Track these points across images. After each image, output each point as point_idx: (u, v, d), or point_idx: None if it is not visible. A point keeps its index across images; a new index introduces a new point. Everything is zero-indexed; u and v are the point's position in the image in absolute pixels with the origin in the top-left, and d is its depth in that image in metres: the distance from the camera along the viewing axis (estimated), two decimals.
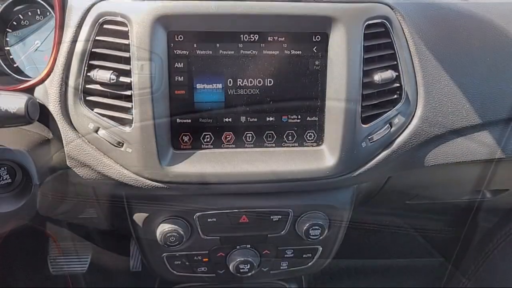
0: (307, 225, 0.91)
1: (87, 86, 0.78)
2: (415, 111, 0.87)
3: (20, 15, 0.86)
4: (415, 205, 1.29)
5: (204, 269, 0.97)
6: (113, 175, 0.81)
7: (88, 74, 0.77)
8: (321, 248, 0.99)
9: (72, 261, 1.63)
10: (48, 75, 0.79)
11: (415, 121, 0.86)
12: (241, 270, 0.95)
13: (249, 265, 0.95)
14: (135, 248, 1.65)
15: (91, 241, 1.69)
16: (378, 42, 0.81)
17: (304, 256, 0.99)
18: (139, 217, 0.88)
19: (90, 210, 1.00)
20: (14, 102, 0.67)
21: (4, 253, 1.69)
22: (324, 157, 0.84)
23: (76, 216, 1.02)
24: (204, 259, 0.95)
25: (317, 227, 0.91)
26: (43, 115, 0.79)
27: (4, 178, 0.70)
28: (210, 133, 0.82)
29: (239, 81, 0.80)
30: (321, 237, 0.92)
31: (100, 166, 0.80)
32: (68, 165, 0.81)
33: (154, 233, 0.88)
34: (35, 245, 1.65)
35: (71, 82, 0.77)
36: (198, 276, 0.98)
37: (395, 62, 0.82)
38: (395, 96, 0.84)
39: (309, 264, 1.01)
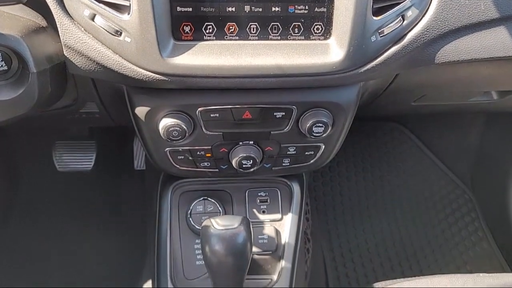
0: (311, 122, 0.90)
1: None
2: (430, 4, 0.82)
3: None
4: (419, 108, 1.28)
5: (207, 164, 0.98)
6: (112, 66, 0.78)
7: None
8: (323, 146, 0.99)
9: (77, 159, 1.66)
10: None
11: (429, 14, 0.82)
12: (243, 166, 0.96)
13: (251, 161, 0.95)
14: (139, 147, 1.67)
15: (95, 140, 1.71)
16: None
17: (306, 153, 0.99)
18: (141, 111, 0.87)
19: (92, 105, 0.99)
20: None
21: (10, 148, 1.72)
22: (331, 51, 0.81)
23: (78, 110, 1.01)
24: (207, 154, 0.96)
25: (320, 125, 0.90)
26: (36, 1, 0.75)
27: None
28: (212, 23, 0.78)
29: None
30: (324, 135, 0.92)
31: (98, 57, 0.78)
32: (65, 54, 0.79)
33: (157, 128, 0.88)
34: (41, 141, 1.68)
35: None
36: (201, 171, 1.00)
37: None
38: None
39: (311, 161, 1.02)
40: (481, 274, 1.02)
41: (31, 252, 1.62)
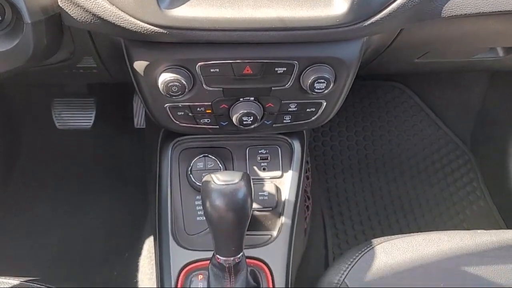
0: (312, 78, 0.88)
1: None
2: None
3: None
4: (422, 66, 1.26)
5: (207, 120, 0.97)
6: (108, 17, 0.76)
7: None
8: (325, 103, 0.97)
9: (77, 116, 1.65)
10: None
11: None
12: (244, 123, 0.95)
13: (252, 117, 0.94)
14: (139, 104, 1.66)
15: (94, 97, 1.69)
16: None
17: (307, 110, 0.98)
18: (139, 66, 0.85)
19: (89, 59, 0.97)
20: None
21: (9, 106, 1.71)
22: (334, 3, 0.78)
23: (75, 65, 0.99)
24: (207, 111, 0.95)
25: (322, 81, 0.88)
26: None
27: None
28: None
29: None
30: (326, 91, 0.90)
31: (94, 7, 0.75)
32: (60, 5, 0.76)
33: (156, 83, 0.86)
34: (39, 99, 1.66)
35: None
36: (201, 127, 0.99)
37: None
38: None
39: (313, 118, 1.01)
40: (478, 231, 1.03)
41: (32, 211, 1.64)
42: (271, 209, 1.08)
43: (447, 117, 1.90)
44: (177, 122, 0.97)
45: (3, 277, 0.91)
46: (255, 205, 1.06)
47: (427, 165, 1.85)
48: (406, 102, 1.93)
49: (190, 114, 0.95)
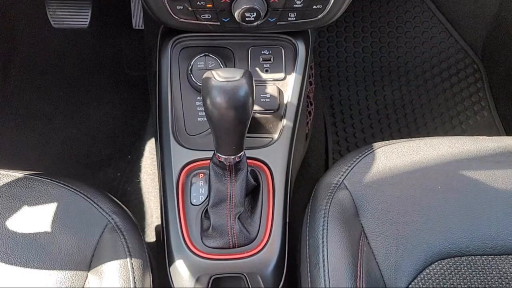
0: None
1: None
2: None
3: None
4: None
5: (208, 16, 0.92)
6: None
7: None
8: (332, 0, 0.92)
9: (72, 15, 1.58)
10: None
11: None
12: (246, 19, 0.90)
13: (255, 13, 0.89)
14: (137, 4, 1.59)
15: None
16: None
17: (314, 7, 0.93)
18: None
19: None
20: None
21: (3, 5, 1.63)
22: None
23: None
24: (207, 5, 0.90)
25: None
26: None
27: None
28: None
29: None
30: None
31: None
32: None
33: None
34: None
35: None
36: (202, 23, 0.94)
37: None
38: None
39: (319, 16, 0.95)
40: (480, 137, 1.02)
41: (33, 108, 1.63)
42: (272, 111, 1.06)
43: (460, 24, 1.82)
44: (177, 17, 0.92)
45: (7, 170, 0.92)
46: (256, 108, 1.05)
47: (435, 74, 1.81)
48: (418, 6, 1.83)
49: (189, 8, 0.90)
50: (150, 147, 1.44)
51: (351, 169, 0.95)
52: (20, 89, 1.66)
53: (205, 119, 0.83)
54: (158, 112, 1.07)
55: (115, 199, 0.95)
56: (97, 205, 0.90)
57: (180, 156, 1.01)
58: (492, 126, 1.73)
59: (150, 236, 1.39)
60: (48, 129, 1.60)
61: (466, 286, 0.82)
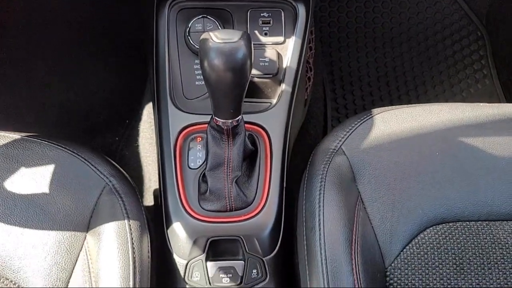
0: None
1: None
2: None
3: None
4: None
5: None
6: None
7: None
8: None
9: None
10: None
11: None
12: None
13: None
14: None
15: None
16: None
17: None
18: None
19: None
20: None
21: None
22: None
23: None
24: None
25: None
26: None
27: None
28: None
29: None
30: None
31: None
32: None
33: None
34: None
35: None
36: None
37: None
38: None
39: None
40: (481, 104, 1.02)
41: (29, 67, 1.61)
42: (271, 76, 1.05)
43: None
44: None
45: (3, 132, 0.92)
46: (255, 71, 1.03)
47: (437, 41, 1.78)
48: None
49: None
50: (148, 111, 1.43)
51: (349, 134, 0.95)
52: (14, 47, 1.63)
53: (203, 82, 0.82)
54: (155, 75, 1.05)
55: (113, 162, 0.95)
56: (95, 167, 0.90)
57: (177, 119, 1.00)
58: (493, 95, 1.72)
59: (149, 200, 1.40)
60: (45, 91, 1.58)
61: (459, 250, 0.83)
